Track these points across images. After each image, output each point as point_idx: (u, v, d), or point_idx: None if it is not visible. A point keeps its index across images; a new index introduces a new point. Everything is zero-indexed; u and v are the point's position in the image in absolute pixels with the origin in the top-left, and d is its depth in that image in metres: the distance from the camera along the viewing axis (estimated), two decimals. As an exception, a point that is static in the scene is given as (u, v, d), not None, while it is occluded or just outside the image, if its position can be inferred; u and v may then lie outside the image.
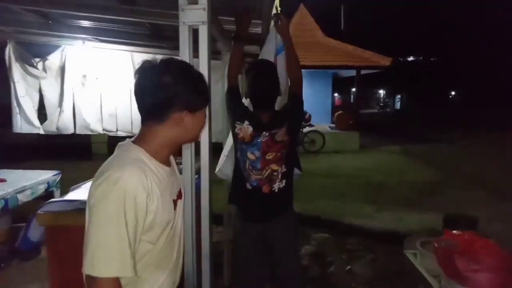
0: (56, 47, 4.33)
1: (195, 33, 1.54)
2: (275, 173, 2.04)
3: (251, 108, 2.14)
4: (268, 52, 2.42)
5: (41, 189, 3.84)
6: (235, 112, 2.12)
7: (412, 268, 2.45)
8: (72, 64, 4.29)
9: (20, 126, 4.51)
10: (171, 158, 1.25)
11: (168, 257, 1.14)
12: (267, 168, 2.02)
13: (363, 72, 12.59)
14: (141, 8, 2.18)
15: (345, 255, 3.87)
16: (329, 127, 12.83)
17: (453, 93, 47.25)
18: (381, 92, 48.30)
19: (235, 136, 2.11)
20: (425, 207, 5.43)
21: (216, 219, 3.62)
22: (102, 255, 0.93)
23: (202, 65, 1.52)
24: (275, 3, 2.52)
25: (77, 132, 4.46)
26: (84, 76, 4.49)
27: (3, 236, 3.54)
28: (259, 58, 2.44)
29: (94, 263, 0.93)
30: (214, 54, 3.23)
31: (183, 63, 1.14)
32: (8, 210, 3.32)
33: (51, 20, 3.19)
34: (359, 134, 11.76)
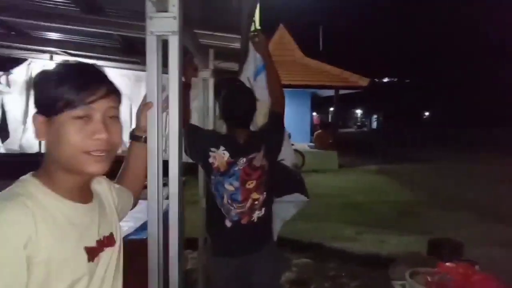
0: (21, 60, 4.09)
1: (165, 45, 1.37)
2: (256, 203, 1.86)
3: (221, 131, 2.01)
4: (248, 73, 2.30)
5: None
6: (206, 141, 1.91)
7: (400, 299, 2.30)
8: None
9: (-21, 144, 4.20)
10: (102, 190, 0.99)
11: None
12: (248, 198, 1.84)
13: (341, 92, 12.72)
14: (108, 19, 2.01)
15: (328, 282, 3.69)
16: (308, 146, 12.81)
17: (426, 113, 48.72)
18: (358, 111, 49.33)
19: (208, 167, 1.88)
20: (406, 229, 5.34)
21: (190, 243, 3.41)
22: None
23: (172, 80, 1.34)
24: (254, 20, 2.42)
25: (43, 150, 4.18)
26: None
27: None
28: (239, 77, 2.32)
29: None
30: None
31: (59, 63, 0.88)
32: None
33: (14, 30, 2.97)
34: (338, 153, 11.77)
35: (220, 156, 1.83)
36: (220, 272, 1.95)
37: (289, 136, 9.63)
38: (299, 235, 4.99)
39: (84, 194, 0.89)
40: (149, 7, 1.31)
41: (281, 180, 2.12)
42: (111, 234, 0.94)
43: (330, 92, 12.95)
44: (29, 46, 3.26)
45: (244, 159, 1.83)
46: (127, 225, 2.17)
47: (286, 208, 2.20)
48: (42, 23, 2.42)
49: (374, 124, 44.96)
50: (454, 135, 24.78)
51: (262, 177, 1.86)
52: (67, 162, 0.81)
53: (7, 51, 3.54)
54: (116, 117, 0.88)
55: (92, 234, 0.86)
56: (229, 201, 1.84)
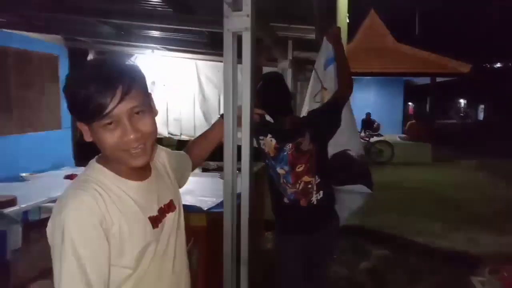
0: (129, 56, 4.69)
1: (239, 39, 1.54)
2: (309, 186, 1.95)
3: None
4: (317, 63, 2.36)
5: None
6: (257, 129, 2.05)
7: (479, 297, 2.20)
8: (143, 71, 4.62)
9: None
10: (160, 163, 1.12)
11: (161, 281, 1.01)
12: (299, 181, 1.94)
13: (439, 79, 11.76)
14: (197, 17, 2.26)
15: (406, 275, 3.60)
16: (399, 137, 12.15)
17: (549, 103, 42.05)
18: (462, 101, 44.66)
19: (262, 153, 2.04)
20: (505, 229, 4.86)
21: (270, 225, 3.61)
22: None
23: (245, 72, 1.51)
24: (341, 9, 2.45)
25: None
26: (153, 82, 4.80)
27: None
28: (314, 67, 2.40)
29: None
30: (271, 61, 3.26)
31: (89, 62, 0.93)
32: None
33: (123, 31, 3.45)
34: (432, 146, 10.96)
35: (268, 142, 1.96)
36: (282, 248, 2.09)
37: (379, 127, 9.29)
38: (382, 227, 4.89)
39: (141, 173, 0.99)
40: (226, 8, 1.51)
41: (343, 169, 2.16)
42: (171, 201, 1.07)
43: (427, 80, 12.04)
44: (135, 43, 3.76)
45: (290, 144, 1.92)
46: (211, 200, 2.47)
47: (354, 198, 2.24)
48: (145, 24, 2.81)
49: (481, 115, 40.27)
50: None
51: (311, 160, 1.92)
52: (113, 158, 0.92)
53: (118, 48, 4.12)
54: (143, 111, 0.90)
55: (152, 205, 0.99)
56: (284, 181, 1.97)
